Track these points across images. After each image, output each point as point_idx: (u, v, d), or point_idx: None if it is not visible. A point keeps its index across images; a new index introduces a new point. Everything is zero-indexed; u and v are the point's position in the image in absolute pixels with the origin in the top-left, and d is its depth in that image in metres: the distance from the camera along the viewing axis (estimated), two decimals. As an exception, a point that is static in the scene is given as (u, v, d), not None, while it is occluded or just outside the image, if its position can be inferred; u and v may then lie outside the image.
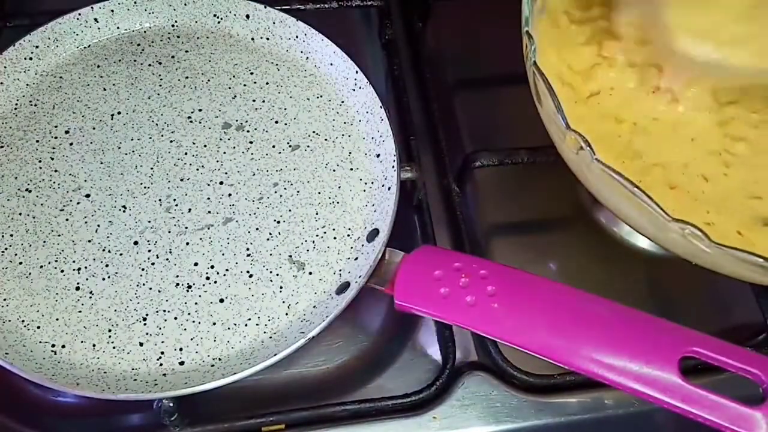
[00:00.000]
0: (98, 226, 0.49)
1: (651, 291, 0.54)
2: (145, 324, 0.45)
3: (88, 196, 0.50)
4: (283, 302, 0.47)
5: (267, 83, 0.55)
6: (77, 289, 0.46)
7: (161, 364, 0.44)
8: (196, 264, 0.48)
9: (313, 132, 0.54)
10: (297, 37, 0.56)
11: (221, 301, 0.47)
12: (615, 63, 0.49)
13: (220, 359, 0.44)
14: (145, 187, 0.50)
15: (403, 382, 0.48)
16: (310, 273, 0.48)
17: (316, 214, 0.50)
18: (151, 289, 0.47)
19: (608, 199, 0.44)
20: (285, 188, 0.51)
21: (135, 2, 0.56)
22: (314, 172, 0.52)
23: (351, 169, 0.52)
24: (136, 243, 0.48)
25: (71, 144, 0.52)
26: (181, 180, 0.51)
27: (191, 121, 0.53)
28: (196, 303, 0.46)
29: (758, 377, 0.38)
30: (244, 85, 0.55)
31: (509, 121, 0.61)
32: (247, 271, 0.48)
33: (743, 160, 0.46)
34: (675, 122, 0.47)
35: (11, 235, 0.48)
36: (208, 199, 0.50)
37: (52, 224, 0.48)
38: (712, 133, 0.47)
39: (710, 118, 0.47)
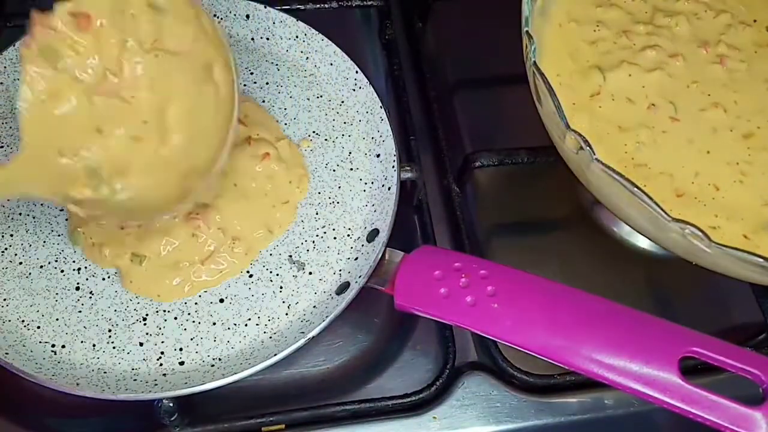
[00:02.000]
0: (98, 226, 0.49)
1: (651, 291, 0.54)
2: (145, 324, 0.45)
3: (88, 196, 0.50)
4: (283, 302, 0.47)
5: (267, 83, 0.55)
6: (77, 289, 0.46)
7: (161, 364, 0.44)
8: (196, 264, 0.48)
9: (313, 132, 0.54)
10: (297, 37, 0.56)
11: (221, 301, 0.47)
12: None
13: (220, 359, 0.44)
14: (145, 187, 0.50)
15: (403, 382, 0.48)
16: (310, 273, 0.48)
17: (316, 214, 0.50)
18: (151, 289, 0.47)
19: (608, 199, 0.44)
20: (285, 188, 0.51)
21: (135, 2, 0.56)
22: (314, 172, 0.52)
23: (351, 169, 0.52)
24: (136, 243, 0.48)
25: (71, 144, 0.52)
26: (181, 180, 0.51)
27: (191, 121, 0.53)
28: (196, 303, 0.46)
29: (758, 377, 0.38)
30: (244, 85, 0.55)
31: (509, 121, 0.61)
32: (247, 271, 0.48)
33: (763, 169, 0.46)
34: (689, 137, 0.47)
35: (11, 235, 0.48)
36: (208, 199, 0.50)
37: (52, 224, 0.48)
38: (733, 147, 0.47)
39: (732, 135, 0.47)
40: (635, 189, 0.39)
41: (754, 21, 0.53)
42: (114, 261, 0.47)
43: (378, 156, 0.52)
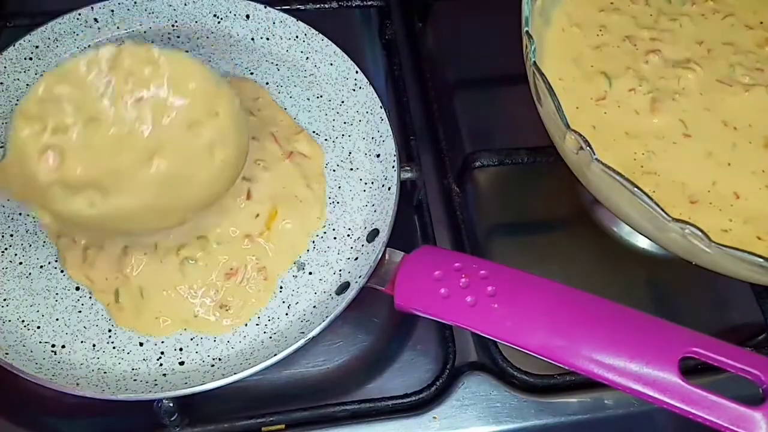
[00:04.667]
0: (98, 226, 0.49)
1: (651, 291, 0.54)
2: (145, 324, 0.46)
3: (88, 196, 0.50)
4: (283, 302, 0.47)
5: (267, 83, 0.55)
6: (77, 289, 0.46)
7: (161, 364, 0.44)
8: (196, 264, 0.48)
9: (313, 132, 0.54)
10: (297, 37, 0.56)
11: (221, 301, 0.47)
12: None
13: (220, 359, 0.44)
14: (145, 187, 0.50)
15: (403, 382, 0.48)
16: (310, 273, 0.48)
17: (316, 214, 0.50)
18: (151, 289, 0.47)
19: (608, 199, 0.44)
20: (285, 188, 0.51)
21: (135, 2, 0.56)
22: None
23: (351, 169, 0.52)
24: (136, 243, 0.48)
25: (71, 144, 0.52)
26: (181, 180, 0.51)
27: (191, 121, 0.53)
28: (196, 303, 0.46)
29: (758, 377, 0.38)
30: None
31: (509, 121, 0.61)
32: (247, 271, 0.48)
33: None
34: (707, 149, 0.47)
35: (11, 235, 0.48)
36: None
37: (52, 224, 0.48)
38: (756, 157, 0.47)
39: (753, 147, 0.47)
40: (635, 189, 0.39)
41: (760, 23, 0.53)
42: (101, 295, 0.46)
43: (378, 156, 0.52)
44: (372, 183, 0.51)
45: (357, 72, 0.54)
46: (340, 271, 0.48)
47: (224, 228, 0.46)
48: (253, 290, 0.46)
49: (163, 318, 0.45)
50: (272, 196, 0.48)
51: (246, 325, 0.46)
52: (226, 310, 0.45)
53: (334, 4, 0.61)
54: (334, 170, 0.52)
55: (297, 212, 0.48)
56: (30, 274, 0.47)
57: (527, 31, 0.45)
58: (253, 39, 0.57)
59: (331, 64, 0.55)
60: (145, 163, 0.42)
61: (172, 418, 0.43)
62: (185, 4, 0.57)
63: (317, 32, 0.56)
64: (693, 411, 0.38)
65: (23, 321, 0.45)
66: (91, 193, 0.42)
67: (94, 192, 0.42)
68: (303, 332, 0.44)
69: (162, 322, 0.45)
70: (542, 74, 0.43)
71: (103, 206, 0.41)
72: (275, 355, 0.42)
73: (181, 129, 0.42)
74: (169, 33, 0.57)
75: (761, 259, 0.37)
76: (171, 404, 0.43)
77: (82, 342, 0.45)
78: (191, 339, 0.45)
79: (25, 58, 0.54)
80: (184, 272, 0.45)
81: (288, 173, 0.49)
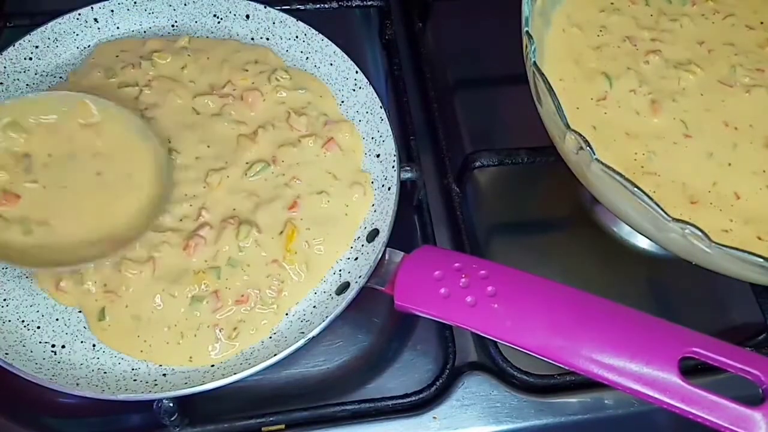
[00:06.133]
0: (98, 226, 0.49)
1: (651, 291, 0.54)
2: (145, 324, 0.45)
3: (88, 196, 0.50)
4: (283, 302, 0.47)
5: (267, 83, 0.56)
6: (77, 289, 0.46)
7: (161, 364, 0.44)
8: (196, 264, 0.48)
9: (314, 132, 0.54)
10: (297, 37, 0.56)
11: (221, 301, 0.47)
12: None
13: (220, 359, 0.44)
14: (145, 187, 0.50)
15: (403, 382, 0.48)
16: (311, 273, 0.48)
17: (317, 214, 0.50)
18: (151, 289, 0.47)
19: (608, 199, 0.44)
20: (285, 188, 0.51)
21: (135, 2, 0.56)
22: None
23: (351, 169, 0.52)
24: (136, 243, 0.48)
25: (71, 144, 0.52)
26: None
27: (191, 121, 0.54)
28: (196, 303, 0.46)
29: (758, 378, 0.38)
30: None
31: (509, 121, 0.61)
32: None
33: None
34: (708, 149, 0.47)
35: (11, 235, 0.48)
36: (208, 199, 0.50)
37: (52, 224, 0.48)
38: (757, 157, 0.47)
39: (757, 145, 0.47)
40: (635, 189, 0.39)
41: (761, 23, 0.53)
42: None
43: (378, 156, 0.52)
44: (372, 183, 0.51)
45: (357, 72, 0.54)
46: (340, 271, 0.48)
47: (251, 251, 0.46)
48: (265, 311, 0.46)
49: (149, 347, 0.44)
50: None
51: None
52: (233, 338, 0.45)
53: (334, 4, 0.61)
54: (334, 170, 0.52)
55: (325, 232, 0.48)
56: (30, 274, 0.47)
57: (527, 32, 0.45)
58: (253, 39, 0.57)
59: (331, 64, 0.55)
60: (80, 202, 0.46)
61: (172, 418, 0.43)
62: (185, 4, 0.57)
63: (317, 32, 0.56)
64: (693, 411, 0.38)
65: (23, 321, 0.45)
66: (29, 224, 0.45)
67: (33, 224, 0.45)
68: (303, 332, 0.44)
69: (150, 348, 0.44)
70: (542, 74, 0.43)
71: (39, 236, 0.45)
72: (275, 355, 0.42)
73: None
74: (168, 33, 0.57)
75: (761, 260, 0.37)
76: (171, 404, 0.43)
77: (81, 342, 0.45)
78: (191, 339, 0.45)
79: (24, 58, 0.54)
80: (191, 308, 0.45)
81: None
